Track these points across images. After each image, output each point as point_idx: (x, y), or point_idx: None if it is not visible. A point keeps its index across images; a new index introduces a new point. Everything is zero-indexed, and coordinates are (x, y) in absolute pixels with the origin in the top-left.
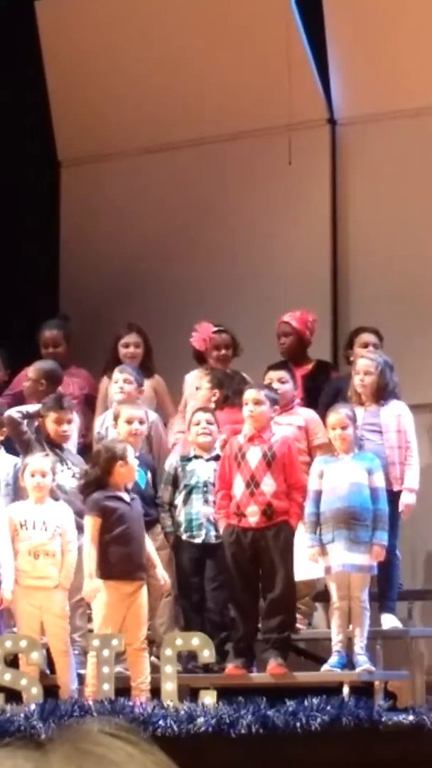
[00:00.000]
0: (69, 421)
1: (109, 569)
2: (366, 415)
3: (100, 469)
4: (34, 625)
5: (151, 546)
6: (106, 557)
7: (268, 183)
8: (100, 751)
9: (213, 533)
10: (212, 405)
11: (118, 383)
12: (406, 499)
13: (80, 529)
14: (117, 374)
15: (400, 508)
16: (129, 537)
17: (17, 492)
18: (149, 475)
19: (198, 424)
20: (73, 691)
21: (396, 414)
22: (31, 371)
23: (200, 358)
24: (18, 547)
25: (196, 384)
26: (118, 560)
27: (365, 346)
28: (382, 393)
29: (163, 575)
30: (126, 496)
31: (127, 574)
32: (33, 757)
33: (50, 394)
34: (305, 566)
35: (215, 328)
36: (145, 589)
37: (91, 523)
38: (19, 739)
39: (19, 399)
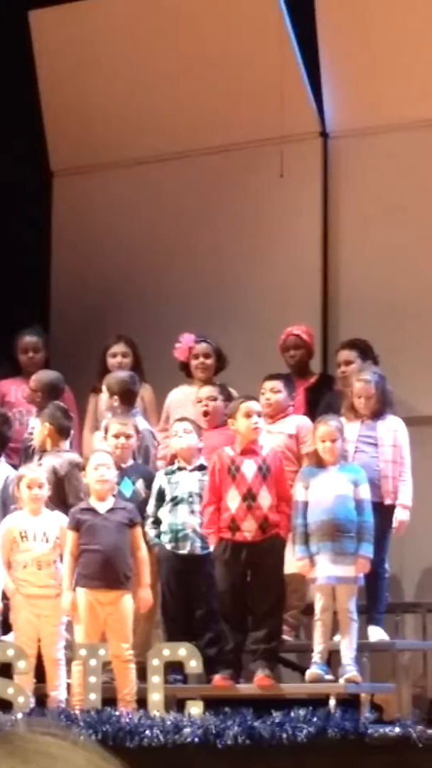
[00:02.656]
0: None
1: (81, 578)
2: (362, 428)
3: None
4: (32, 634)
5: (145, 563)
6: (81, 567)
7: (260, 196)
8: (37, 746)
9: (198, 544)
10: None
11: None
12: (401, 516)
13: None
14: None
15: (394, 524)
16: (98, 548)
17: (5, 502)
18: (139, 484)
19: (176, 433)
20: (62, 700)
21: (392, 429)
22: (31, 382)
23: (187, 371)
24: (18, 558)
25: (181, 399)
26: (90, 570)
27: (346, 364)
28: (381, 409)
29: (145, 598)
30: (101, 508)
31: (101, 583)
32: None
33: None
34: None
35: (196, 338)
36: (127, 600)
37: (68, 536)
38: None
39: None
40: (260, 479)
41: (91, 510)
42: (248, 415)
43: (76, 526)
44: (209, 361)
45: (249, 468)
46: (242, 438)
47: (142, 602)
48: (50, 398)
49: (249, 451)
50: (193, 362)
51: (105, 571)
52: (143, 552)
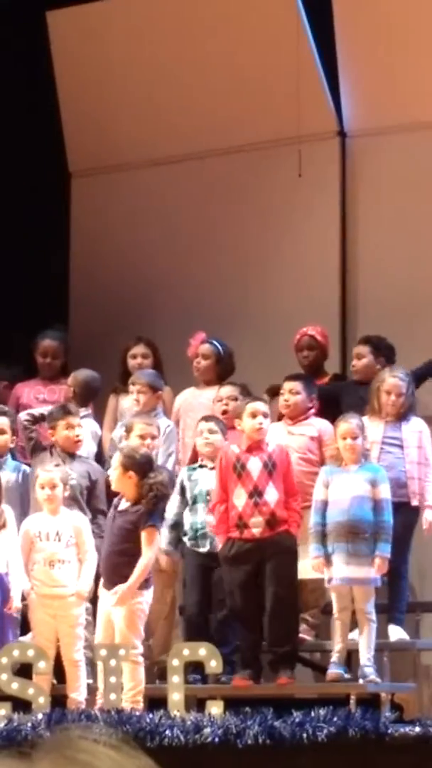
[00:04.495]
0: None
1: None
2: (387, 428)
3: None
4: (49, 634)
5: (141, 567)
6: None
7: (278, 195)
8: (85, 758)
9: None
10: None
11: (133, 394)
12: (430, 516)
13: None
14: (131, 387)
15: (424, 525)
16: (102, 552)
17: (25, 499)
18: None
19: (201, 433)
20: (81, 701)
21: (417, 430)
22: (69, 379)
23: None
24: (34, 557)
25: (191, 402)
26: (101, 570)
27: (358, 358)
28: (407, 410)
29: (121, 591)
30: (112, 509)
31: (107, 585)
32: (22, 767)
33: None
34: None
35: (204, 339)
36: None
37: None
38: (5, 748)
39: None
40: (266, 475)
41: (113, 509)
42: (254, 416)
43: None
44: (204, 363)
45: (254, 465)
46: (247, 438)
47: (120, 596)
48: (84, 398)
49: (255, 448)
50: (194, 362)
51: (106, 573)
52: (144, 557)
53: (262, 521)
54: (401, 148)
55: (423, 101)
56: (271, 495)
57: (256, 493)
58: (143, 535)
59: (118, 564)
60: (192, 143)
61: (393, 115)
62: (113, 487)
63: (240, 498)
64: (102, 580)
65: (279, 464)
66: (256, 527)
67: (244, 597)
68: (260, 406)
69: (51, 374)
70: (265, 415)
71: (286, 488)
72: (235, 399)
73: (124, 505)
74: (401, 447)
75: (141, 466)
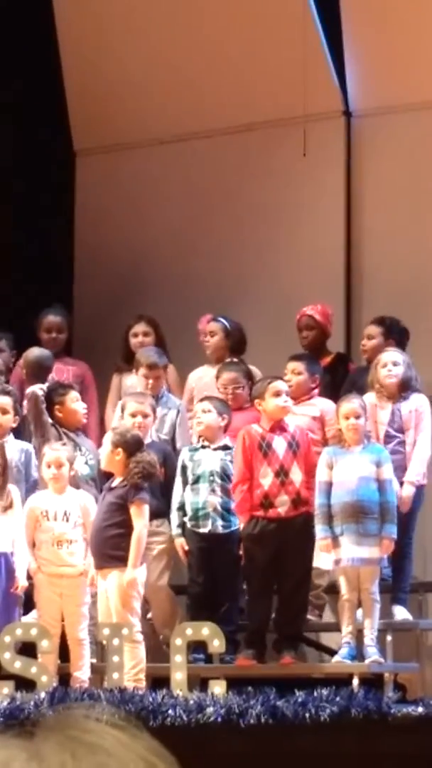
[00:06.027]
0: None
1: None
2: (394, 410)
3: None
4: (55, 613)
5: (135, 543)
6: None
7: (283, 174)
8: (91, 738)
9: (220, 523)
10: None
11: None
12: (407, 491)
13: None
14: (142, 371)
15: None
16: (91, 529)
17: (28, 478)
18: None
19: (195, 414)
20: (84, 680)
21: (414, 408)
22: (21, 360)
23: None
24: (41, 537)
25: (207, 381)
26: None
27: (368, 338)
28: (406, 387)
29: (127, 579)
30: (104, 490)
31: (96, 563)
32: (25, 747)
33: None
34: (318, 555)
35: (211, 317)
36: (115, 577)
37: None
38: (9, 727)
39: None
40: (291, 455)
41: (104, 490)
42: (277, 395)
43: None
44: (212, 339)
45: (280, 444)
46: (269, 417)
47: (126, 583)
48: (36, 376)
49: (277, 427)
50: (202, 339)
51: (93, 550)
52: (135, 531)
53: (288, 500)
54: (407, 128)
55: (429, 81)
56: (297, 474)
57: (282, 472)
58: (132, 508)
59: (110, 537)
60: (197, 122)
61: (398, 94)
62: (102, 466)
63: (266, 477)
64: (93, 560)
65: (302, 444)
66: (282, 506)
67: (264, 577)
68: (282, 384)
69: (56, 349)
70: (288, 394)
71: (308, 469)
72: (240, 387)
73: (114, 483)
74: (403, 430)
75: (130, 444)
